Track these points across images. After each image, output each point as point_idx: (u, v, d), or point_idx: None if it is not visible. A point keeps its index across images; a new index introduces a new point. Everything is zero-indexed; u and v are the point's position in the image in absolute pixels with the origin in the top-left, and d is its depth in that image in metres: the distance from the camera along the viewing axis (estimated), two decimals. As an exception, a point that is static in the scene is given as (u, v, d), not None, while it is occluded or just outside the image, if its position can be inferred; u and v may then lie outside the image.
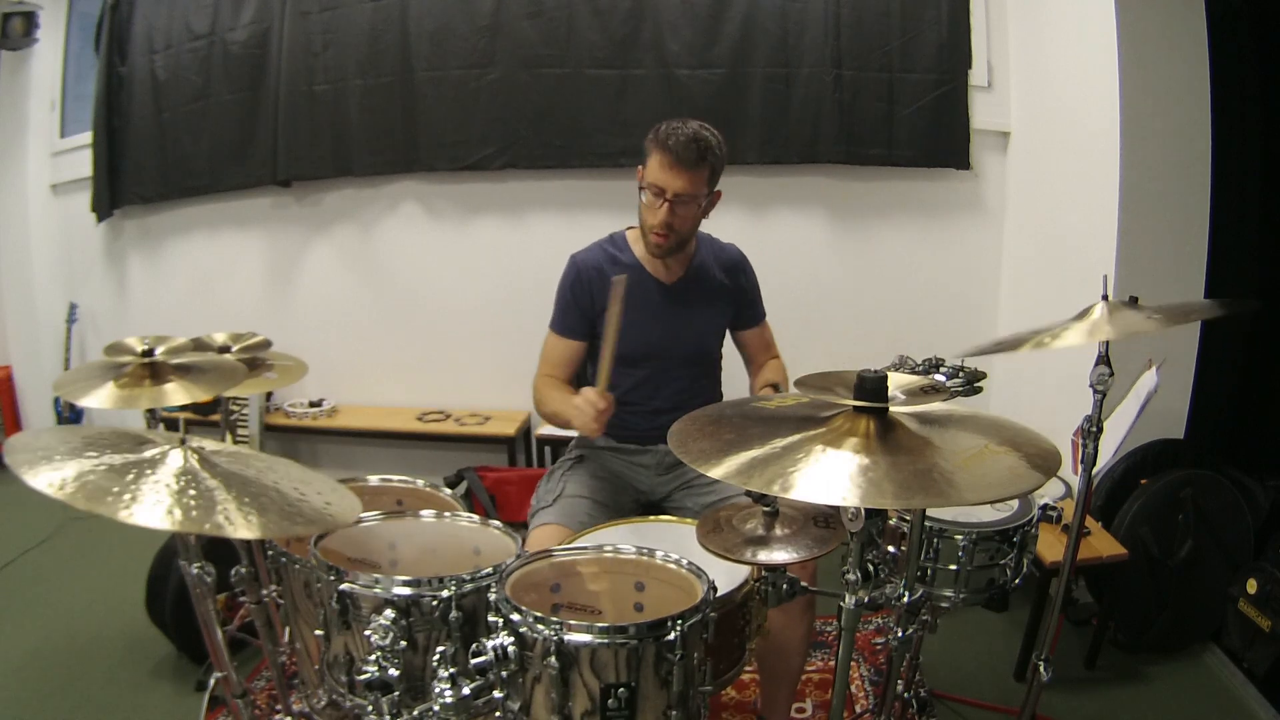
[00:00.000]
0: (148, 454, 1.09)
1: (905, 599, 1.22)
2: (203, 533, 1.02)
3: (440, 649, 1.21)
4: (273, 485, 1.13)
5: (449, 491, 1.74)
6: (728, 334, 2.11)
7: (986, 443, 1.06)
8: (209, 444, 1.18)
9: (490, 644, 1.14)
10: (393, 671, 1.18)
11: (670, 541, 1.38)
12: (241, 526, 1.02)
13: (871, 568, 1.09)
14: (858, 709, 2.20)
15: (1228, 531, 2.34)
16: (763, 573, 1.27)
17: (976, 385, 1.66)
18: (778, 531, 1.23)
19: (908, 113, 3.18)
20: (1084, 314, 1.48)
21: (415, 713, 1.22)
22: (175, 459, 1.09)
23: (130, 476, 1.03)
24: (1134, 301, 1.47)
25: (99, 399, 1.65)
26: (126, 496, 0.99)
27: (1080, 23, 2.64)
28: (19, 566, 3.10)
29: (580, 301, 1.94)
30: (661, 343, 1.96)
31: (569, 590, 1.37)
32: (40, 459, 1.03)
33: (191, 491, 1.04)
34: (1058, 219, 2.92)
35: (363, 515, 1.49)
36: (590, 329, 1.96)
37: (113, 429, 1.18)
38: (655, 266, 1.96)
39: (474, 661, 1.14)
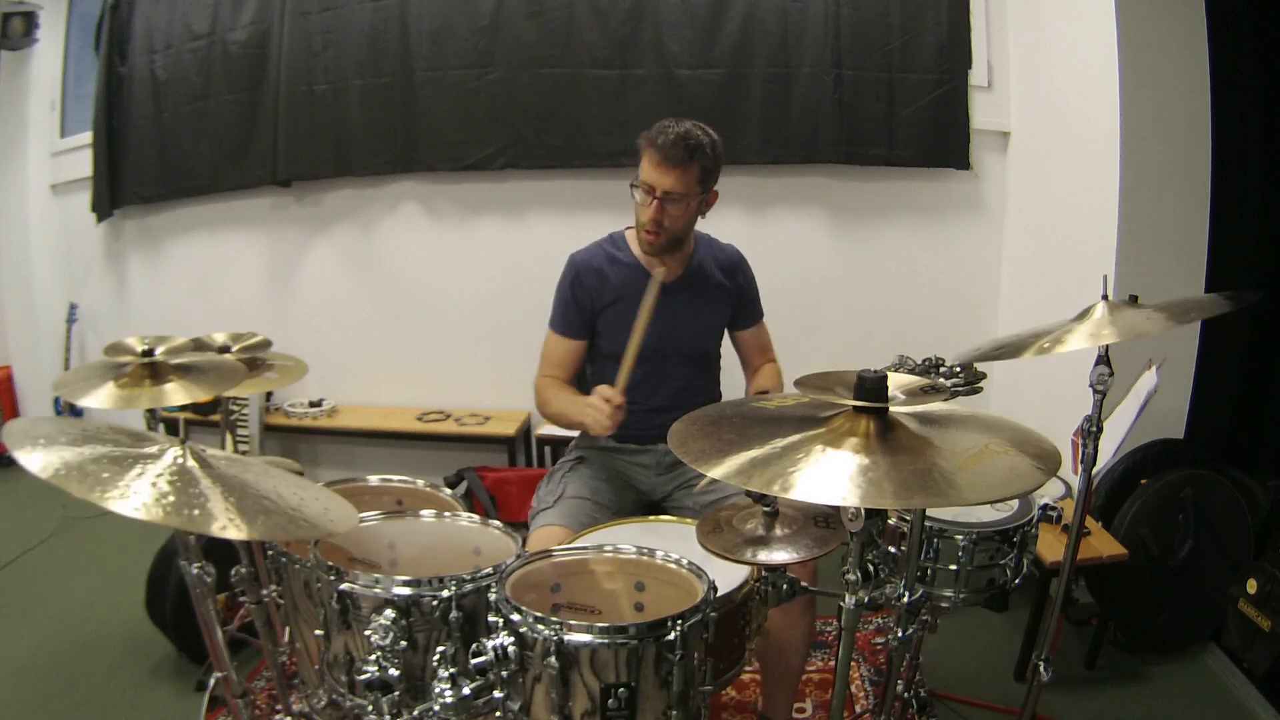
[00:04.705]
0: (147, 449, 1.09)
1: (905, 599, 1.22)
2: (198, 531, 1.02)
3: (440, 649, 1.21)
4: (272, 490, 1.13)
5: (449, 491, 1.74)
6: (726, 333, 2.11)
7: (986, 443, 1.06)
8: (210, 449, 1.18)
9: (490, 644, 1.14)
10: (393, 671, 1.18)
11: (670, 541, 1.38)
12: (239, 528, 1.02)
13: (871, 568, 1.09)
14: (858, 709, 2.20)
15: (1228, 531, 2.34)
16: (763, 573, 1.27)
17: (976, 385, 1.66)
18: (778, 531, 1.23)
19: (908, 113, 3.18)
20: (1085, 314, 1.47)
21: (415, 713, 1.22)
22: (172, 456, 1.09)
23: (131, 469, 1.03)
24: (1134, 300, 1.47)
25: (99, 399, 1.65)
26: (119, 486, 0.99)
27: (1080, 23, 2.64)
28: (19, 566, 3.10)
29: (580, 301, 1.94)
30: (660, 341, 1.95)
31: (569, 590, 1.37)
32: (38, 443, 1.03)
33: (192, 489, 1.04)
34: (1058, 219, 2.92)
35: (363, 515, 1.50)
36: (590, 328, 1.96)
37: (113, 426, 1.18)
38: (654, 265, 1.96)
39: (474, 661, 1.14)
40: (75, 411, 4.09)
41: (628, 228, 2.02)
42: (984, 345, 1.54)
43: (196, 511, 1.01)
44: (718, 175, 1.88)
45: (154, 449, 1.10)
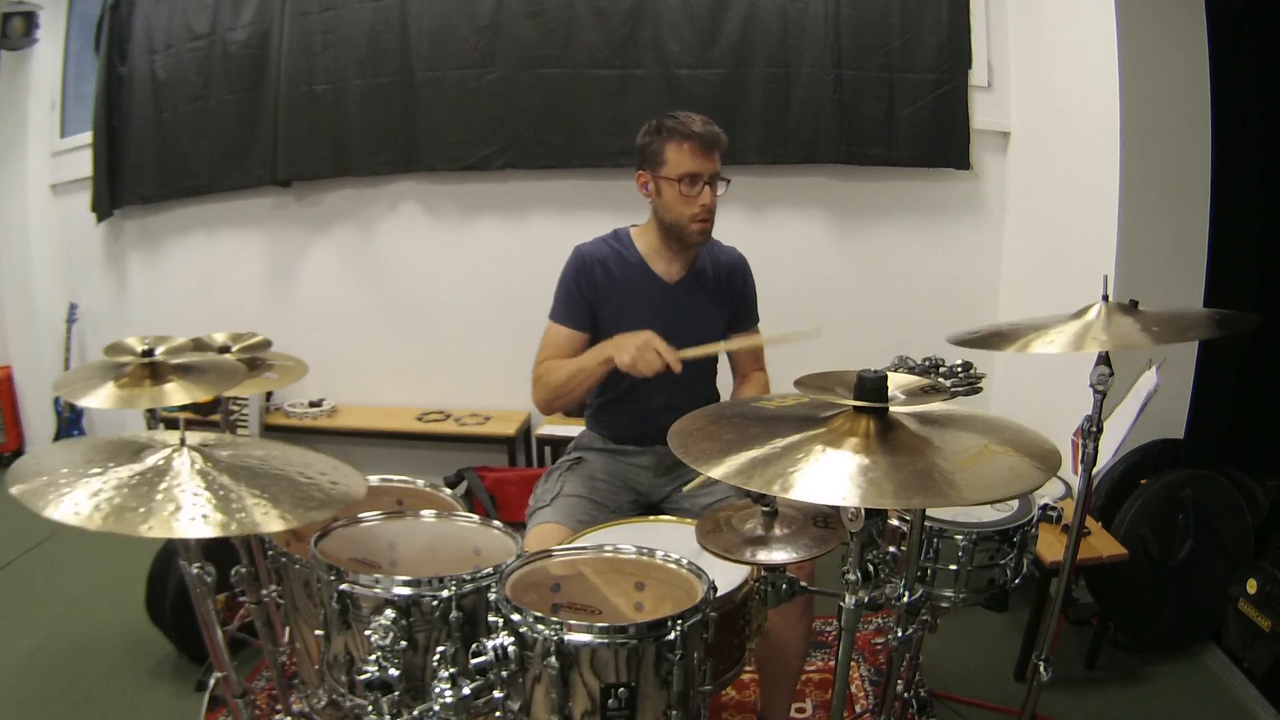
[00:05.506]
0: (151, 461, 1.09)
1: (905, 599, 1.22)
2: (233, 534, 1.02)
3: (440, 649, 1.21)
4: (280, 473, 1.14)
5: (449, 491, 1.74)
6: None
7: (986, 443, 1.06)
8: (207, 436, 1.18)
9: (490, 644, 1.14)
10: (393, 671, 1.18)
11: (670, 541, 1.38)
12: (268, 520, 1.03)
13: (871, 568, 1.09)
14: (858, 709, 2.20)
15: (1228, 531, 2.34)
16: (762, 573, 1.27)
17: (976, 385, 1.66)
18: (777, 531, 1.23)
19: (908, 113, 3.18)
20: (1081, 313, 1.47)
21: (415, 713, 1.22)
22: (179, 464, 1.09)
23: (145, 489, 1.03)
24: (1134, 305, 1.46)
25: (99, 399, 1.64)
26: (144, 510, 0.99)
27: (1080, 23, 2.64)
28: (19, 567, 3.10)
29: (585, 292, 1.94)
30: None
31: (569, 590, 1.36)
32: (48, 487, 1.03)
33: (208, 495, 1.04)
34: (1058, 219, 2.92)
35: (363, 515, 1.50)
36: (593, 320, 1.96)
37: (108, 440, 1.17)
38: (658, 265, 1.97)
39: (474, 661, 1.14)
40: (75, 411, 4.10)
41: (632, 225, 2.03)
42: (979, 331, 1.52)
43: (241, 514, 1.02)
44: None
45: (158, 458, 1.10)
